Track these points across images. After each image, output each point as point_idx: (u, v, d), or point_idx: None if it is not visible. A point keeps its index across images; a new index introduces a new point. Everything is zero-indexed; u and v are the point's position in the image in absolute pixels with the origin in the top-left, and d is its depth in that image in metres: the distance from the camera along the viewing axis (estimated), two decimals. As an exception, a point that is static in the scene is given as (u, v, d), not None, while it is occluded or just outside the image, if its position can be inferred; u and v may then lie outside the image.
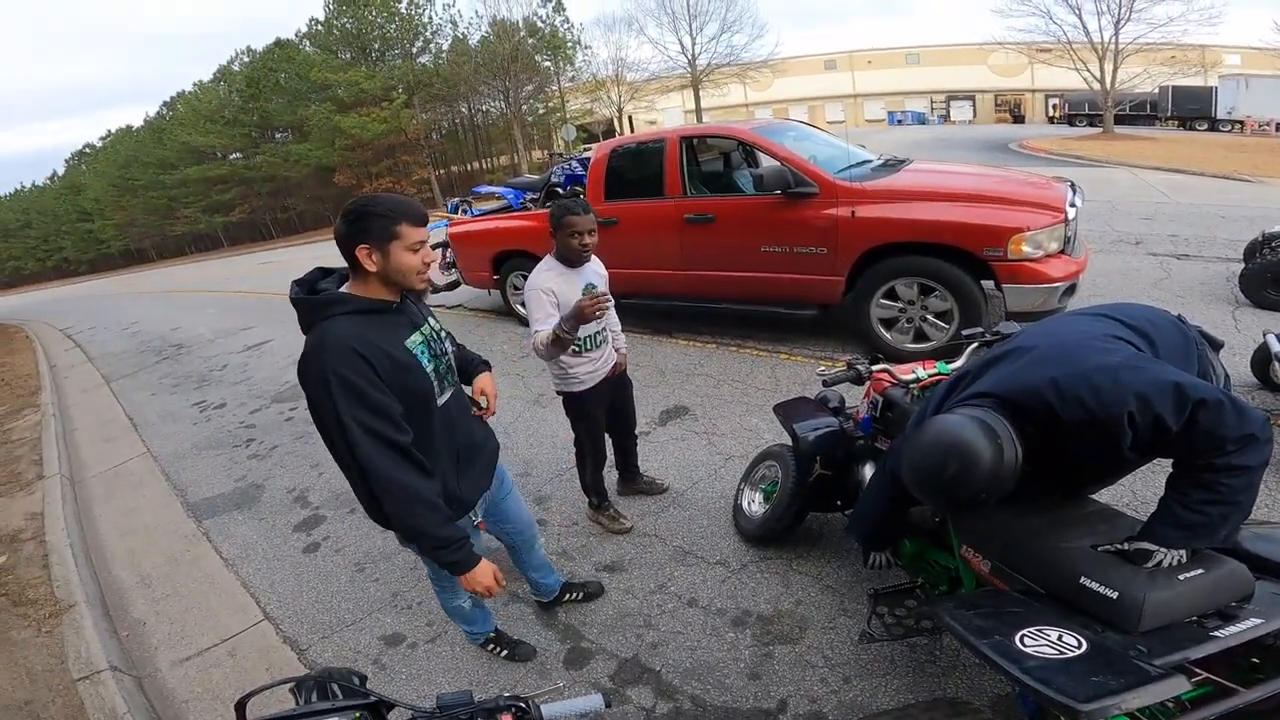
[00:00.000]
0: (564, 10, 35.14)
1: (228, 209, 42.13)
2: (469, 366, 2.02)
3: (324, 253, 20.56)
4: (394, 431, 1.53)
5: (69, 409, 6.97)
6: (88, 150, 55.56)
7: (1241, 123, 27.13)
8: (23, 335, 13.67)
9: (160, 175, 42.32)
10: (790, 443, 2.56)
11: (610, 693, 2.23)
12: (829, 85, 48.88)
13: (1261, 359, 3.58)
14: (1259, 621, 1.29)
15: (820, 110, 46.81)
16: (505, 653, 2.44)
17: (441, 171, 40.12)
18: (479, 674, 2.42)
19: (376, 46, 35.72)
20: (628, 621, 2.54)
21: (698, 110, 35.58)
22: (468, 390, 2.02)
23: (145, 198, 44.19)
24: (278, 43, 38.92)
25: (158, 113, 46.56)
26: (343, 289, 1.60)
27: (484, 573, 1.71)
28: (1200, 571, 1.36)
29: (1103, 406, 1.33)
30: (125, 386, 7.48)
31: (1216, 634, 1.27)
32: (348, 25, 35.19)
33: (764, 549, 2.80)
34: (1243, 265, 5.30)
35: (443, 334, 1.84)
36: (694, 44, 33.76)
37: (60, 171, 60.61)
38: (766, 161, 4.96)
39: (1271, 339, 3.37)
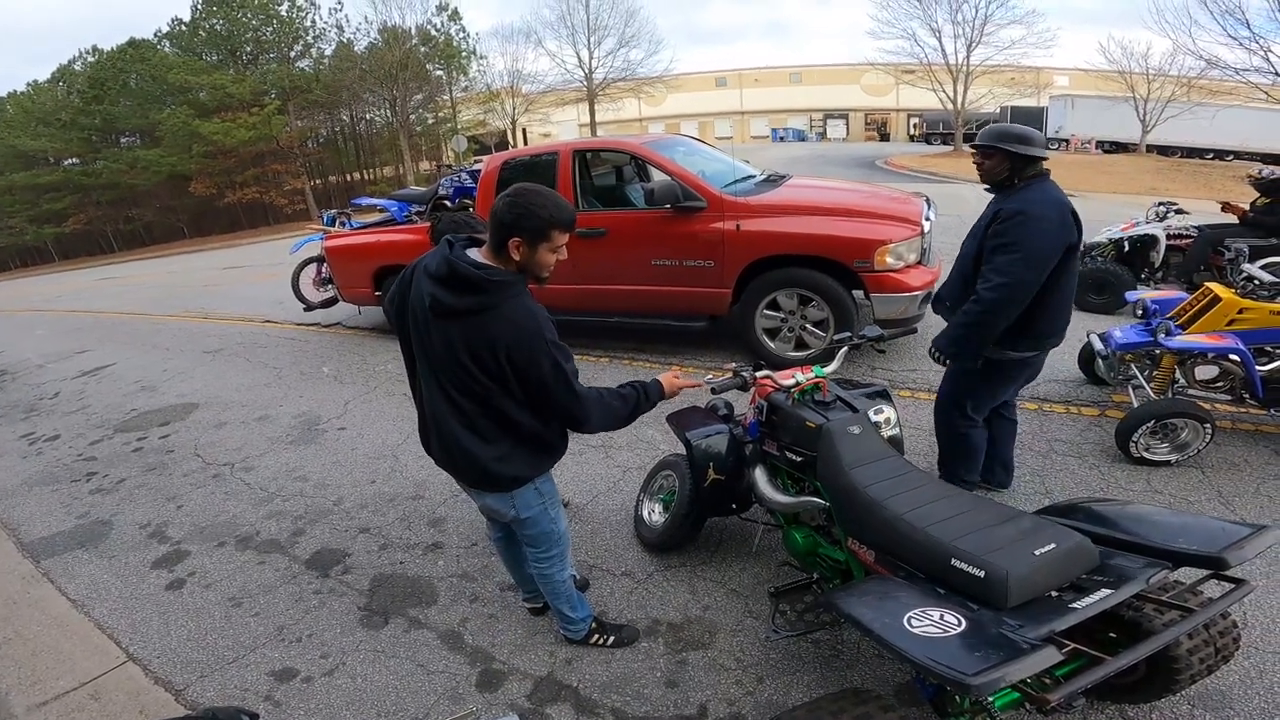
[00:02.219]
0: (460, 19, 34.26)
1: (60, 219, 36.77)
2: None
3: (176, 267, 18.71)
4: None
5: None
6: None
7: (1067, 141, 30.68)
8: None
9: None
10: (684, 452, 2.63)
11: (529, 712, 2.19)
12: (719, 102, 51.10)
13: (1086, 357, 4.10)
14: (1109, 592, 1.44)
15: (710, 126, 48.78)
16: (612, 640, 2.41)
17: (318, 182, 37.41)
18: (386, 704, 2.30)
19: (249, 49, 33.07)
20: (538, 640, 2.50)
21: (592, 124, 35.82)
22: None
23: None
24: (131, 43, 34.75)
25: None
26: (473, 254, 1.80)
27: (667, 381, 2.05)
28: (1053, 546, 1.51)
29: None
30: (-65, 421, 6.41)
31: (1074, 605, 1.41)
32: (217, 26, 32.41)
33: (667, 557, 2.85)
34: (1068, 273, 6.08)
35: None
36: (591, 58, 34.08)
37: None
38: (657, 176, 5.07)
39: (1094, 338, 3.81)
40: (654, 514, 2.95)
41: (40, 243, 38.55)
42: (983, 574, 1.46)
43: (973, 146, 2.56)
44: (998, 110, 32.82)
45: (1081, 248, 5.94)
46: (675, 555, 2.85)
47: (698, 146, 5.83)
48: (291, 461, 4.23)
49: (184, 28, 33.48)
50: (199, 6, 32.52)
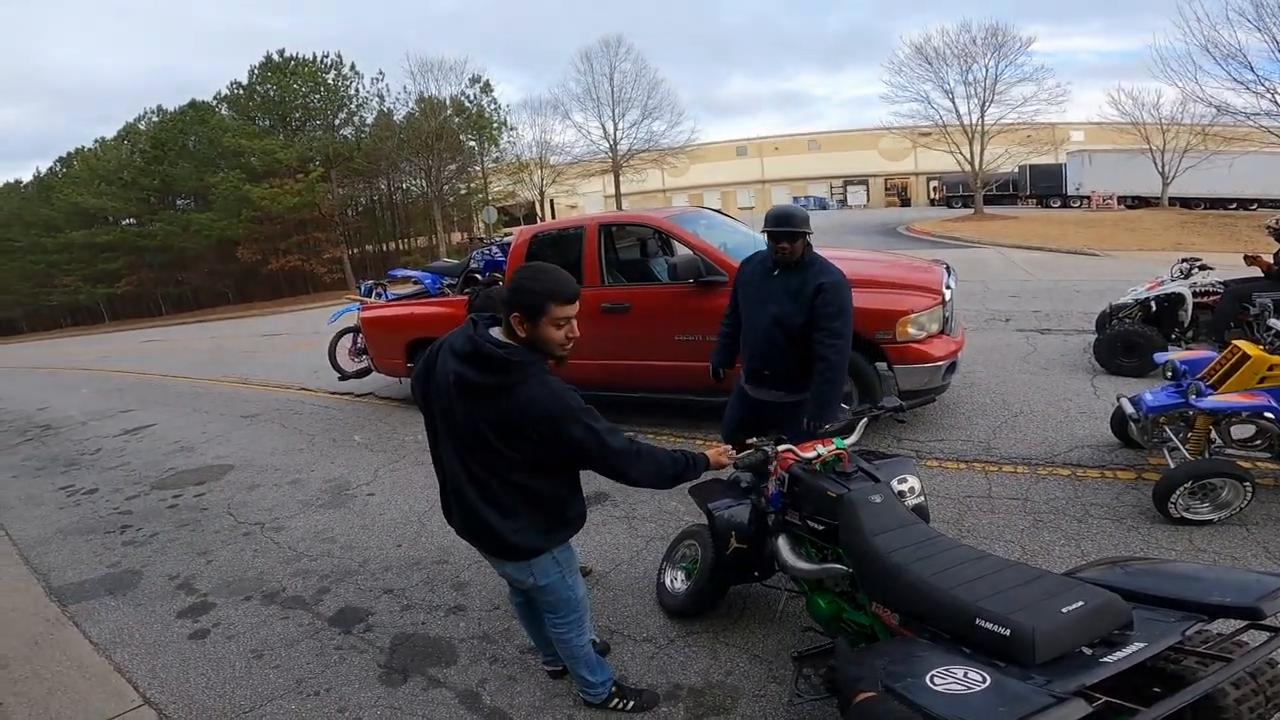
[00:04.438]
0: (491, 91, 35.68)
1: (113, 279, 38.31)
2: None
3: (220, 332, 19.49)
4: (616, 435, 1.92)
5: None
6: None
7: (1088, 198, 30.48)
8: None
9: (42, 238, 38.17)
10: (707, 522, 2.66)
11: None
12: (740, 171, 52.47)
13: (1119, 421, 4.01)
14: (1142, 645, 1.43)
15: (732, 196, 49.98)
16: (631, 704, 2.38)
17: (355, 250, 38.57)
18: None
19: (298, 115, 34.75)
20: (557, 702, 2.48)
21: (618, 195, 36.69)
22: None
23: (23, 261, 39.51)
24: (192, 104, 36.65)
25: (50, 169, 42.79)
26: (496, 333, 1.89)
27: (714, 454, 2.13)
28: (1081, 604, 1.50)
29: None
30: (-18, 470, 6.70)
31: (1105, 660, 1.40)
32: (270, 92, 34.16)
33: (690, 624, 2.82)
34: (1096, 335, 6.01)
35: None
36: (616, 129, 34.92)
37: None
38: (680, 250, 5.16)
39: (1125, 402, 3.74)
40: (676, 581, 2.94)
41: (93, 302, 40.20)
42: (1009, 632, 1.46)
43: (779, 232, 2.90)
44: (1015, 169, 32.80)
45: (1110, 309, 5.99)
46: (697, 621, 2.82)
47: (719, 219, 5.92)
48: (320, 524, 4.30)
49: (241, 91, 35.22)
50: (255, 71, 34.46)
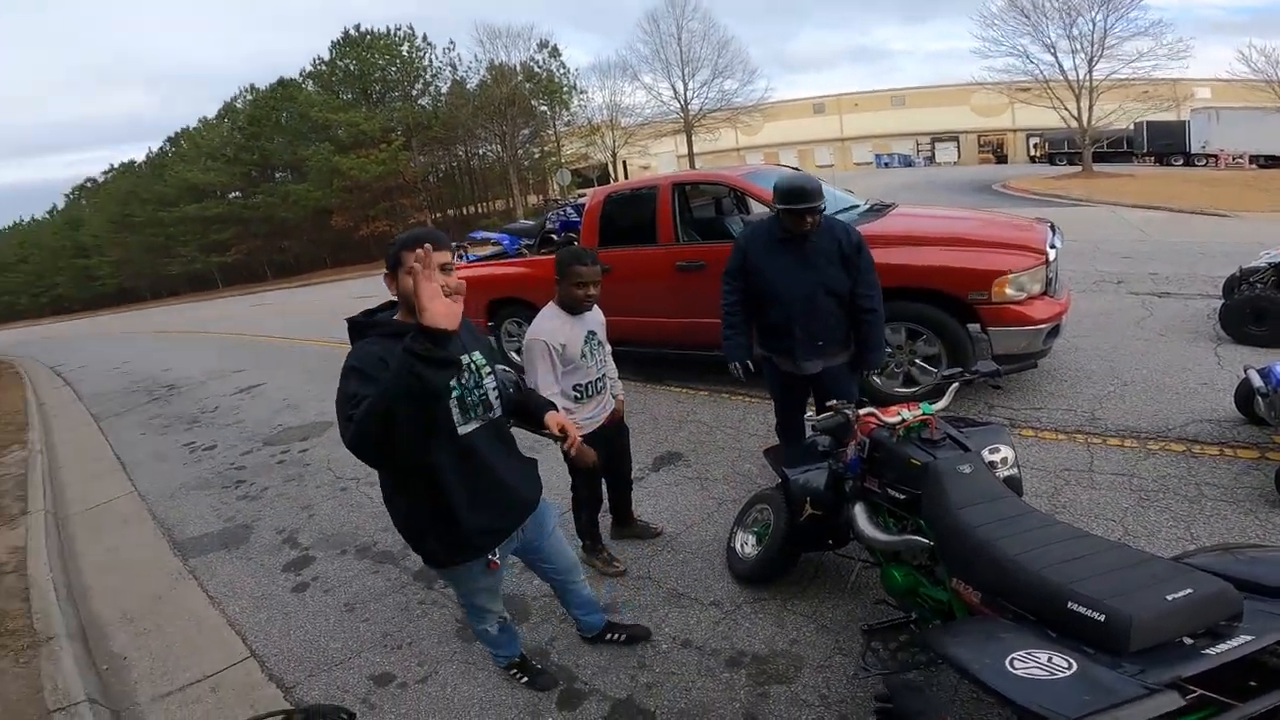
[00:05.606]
0: (560, 56, 35.95)
1: (224, 249, 41.82)
2: (536, 411, 2.09)
3: (317, 297, 20.75)
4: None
5: (56, 446, 6.95)
6: (89, 185, 55.62)
7: (1215, 156, 27.67)
8: (13, 371, 13.71)
9: (159, 212, 42.08)
10: (781, 486, 2.60)
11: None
12: (818, 129, 50.27)
13: (1244, 394, 3.63)
14: (1250, 638, 1.32)
15: (810, 154, 47.99)
16: (526, 679, 2.47)
17: (438, 215, 40.16)
18: (470, 714, 2.39)
19: (377, 88, 36.34)
20: (621, 663, 2.52)
21: (690, 155, 36.18)
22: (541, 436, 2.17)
23: (143, 235, 43.89)
24: (281, 82, 39.13)
25: (161, 148, 46.78)
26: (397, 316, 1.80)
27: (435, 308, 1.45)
28: (1189, 592, 1.39)
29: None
30: (114, 425, 7.48)
31: (1207, 651, 1.30)
32: (351, 66, 35.83)
33: (758, 590, 2.80)
34: (1222, 301, 5.43)
35: (485, 370, 1.91)
36: (686, 89, 34.39)
37: (60, 206, 60.72)
38: (757, 208, 5.03)
39: (1252, 374, 3.39)
40: (747, 546, 2.91)
41: (207, 270, 44.05)
42: (1103, 618, 1.36)
43: (802, 209, 2.77)
44: (1130, 126, 30.03)
45: (1240, 272, 5.41)
46: (765, 588, 2.80)
47: (795, 176, 5.75)
48: (408, 477, 4.53)
49: (324, 67, 37.14)
50: (335, 47, 36.18)
